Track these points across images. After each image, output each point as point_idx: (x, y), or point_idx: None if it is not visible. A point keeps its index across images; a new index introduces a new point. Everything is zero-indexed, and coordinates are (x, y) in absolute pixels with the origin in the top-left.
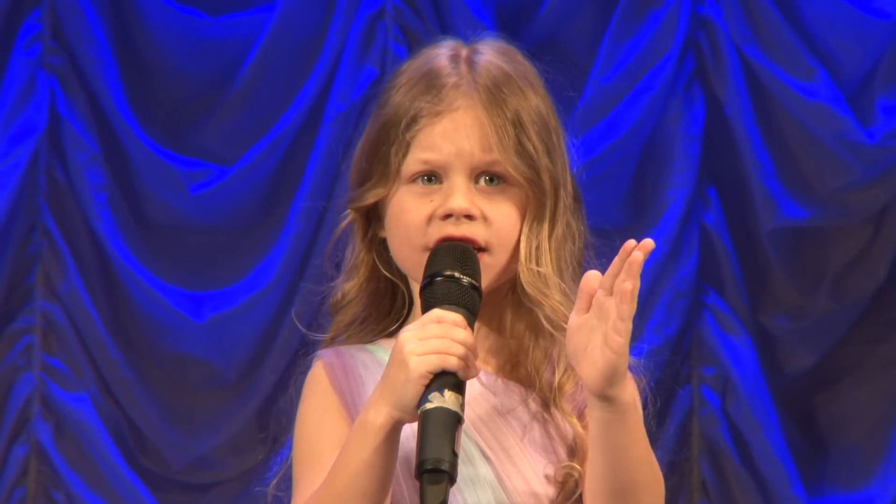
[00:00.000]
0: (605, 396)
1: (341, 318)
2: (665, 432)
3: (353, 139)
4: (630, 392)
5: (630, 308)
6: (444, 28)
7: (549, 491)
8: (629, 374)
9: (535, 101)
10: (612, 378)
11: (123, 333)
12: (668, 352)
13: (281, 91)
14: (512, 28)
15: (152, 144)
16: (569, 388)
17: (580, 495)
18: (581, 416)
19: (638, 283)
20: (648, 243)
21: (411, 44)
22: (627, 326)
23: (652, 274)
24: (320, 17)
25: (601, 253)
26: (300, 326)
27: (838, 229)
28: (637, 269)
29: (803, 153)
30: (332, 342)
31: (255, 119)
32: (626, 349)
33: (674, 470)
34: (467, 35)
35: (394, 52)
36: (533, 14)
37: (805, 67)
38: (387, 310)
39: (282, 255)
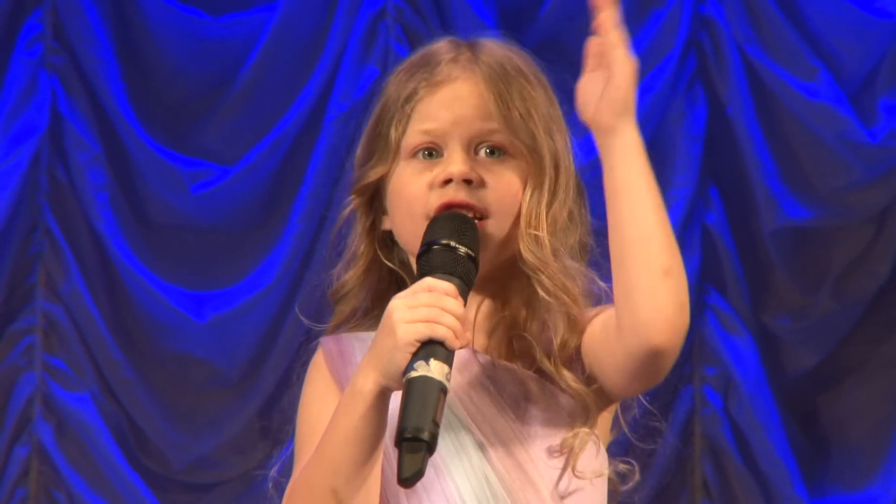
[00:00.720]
0: (612, 128)
1: (342, 309)
2: (667, 432)
3: (355, 139)
4: (635, 133)
5: (619, 34)
6: (446, 27)
7: (546, 472)
8: (634, 122)
9: (537, 89)
10: (620, 108)
11: (125, 333)
12: None
13: (282, 91)
14: (513, 27)
15: (154, 144)
16: (571, 345)
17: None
18: (588, 381)
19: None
20: None
21: (413, 43)
22: (626, 56)
23: None
24: (322, 16)
25: (605, 248)
26: (303, 319)
27: (840, 229)
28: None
29: (805, 153)
30: (336, 332)
31: (257, 119)
32: (632, 79)
33: (676, 470)
34: (469, 35)
35: (395, 51)
36: (534, 13)
37: (807, 67)
38: (388, 300)
39: (283, 254)
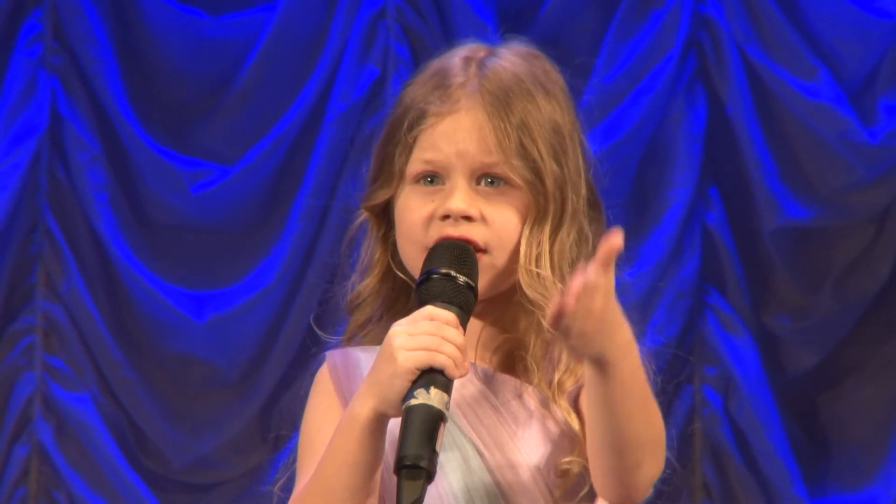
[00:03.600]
0: (588, 355)
1: (357, 318)
2: (667, 432)
3: (355, 139)
4: (617, 348)
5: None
6: (446, 28)
7: (544, 485)
8: (621, 331)
9: (546, 107)
10: (583, 339)
11: (125, 333)
12: (670, 352)
13: (282, 91)
14: (514, 28)
15: (154, 144)
16: (569, 385)
17: (591, 488)
18: (579, 412)
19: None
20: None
21: (413, 43)
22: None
23: (654, 274)
24: (322, 16)
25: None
26: (318, 331)
27: (841, 229)
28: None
29: (805, 153)
30: (350, 342)
31: (257, 119)
32: (592, 309)
33: (676, 470)
34: (469, 35)
35: (395, 51)
36: (535, 14)
37: (807, 67)
38: (401, 310)
39: (283, 255)
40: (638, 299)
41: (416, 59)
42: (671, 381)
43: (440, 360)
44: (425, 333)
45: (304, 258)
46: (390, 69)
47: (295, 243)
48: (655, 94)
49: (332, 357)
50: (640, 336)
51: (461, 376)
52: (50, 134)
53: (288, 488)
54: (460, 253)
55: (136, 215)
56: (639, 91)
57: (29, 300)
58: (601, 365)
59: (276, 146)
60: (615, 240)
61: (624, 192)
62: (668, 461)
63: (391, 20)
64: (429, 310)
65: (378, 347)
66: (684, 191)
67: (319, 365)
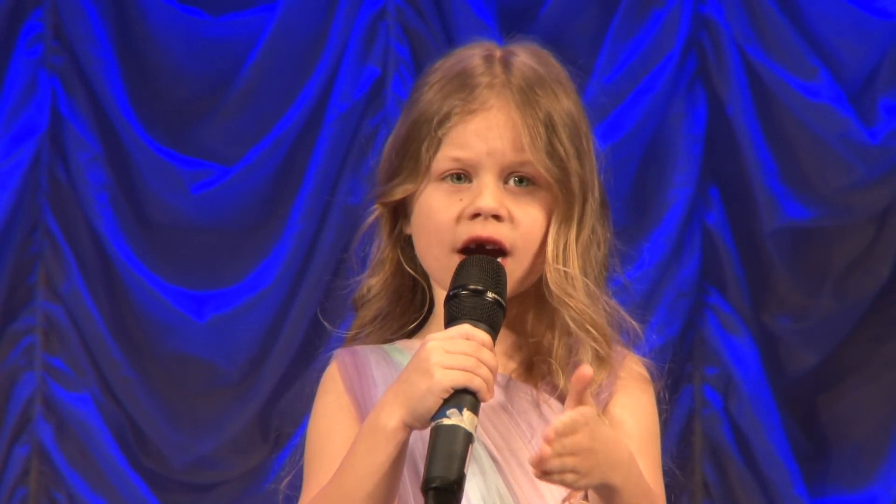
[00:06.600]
0: (592, 488)
1: (365, 314)
2: (667, 433)
3: (355, 139)
4: (617, 472)
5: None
6: (447, 28)
7: (558, 490)
8: (616, 451)
9: (566, 104)
10: (584, 477)
11: (125, 333)
12: (670, 352)
13: (282, 90)
14: (514, 28)
15: (154, 144)
16: (595, 387)
17: None
18: (605, 412)
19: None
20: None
21: (413, 43)
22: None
23: (654, 274)
24: (322, 16)
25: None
26: (326, 324)
27: (841, 229)
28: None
29: (805, 153)
30: (356, 338)
31: (257, 118)
32: (581, 445)
33: (676, 470)
34: (469, 35)
35: (396, 51)
36: (535, 14)
37: (807, 67)
38: (406, 308)
39: (283, 254)
40: (638, 299)
41: (416, 59)
42: (671, 381)
43: (476, 384)
44: (463, 353)
45: (305, 258)
46: (390, 69)
47: (295, 243)
48: (655, 94)
49: (341, 356)
50: (640, 337)
51: (489, 399)
52: (50, 134)
53: (293, 485)
54: (491, 269)
55: (137, 215)
56: (639, 91)
57: (29, 300)
58: (606, 491)
59: (276, 146)
60: (584, 372)
61: (624, 192)
62: (666, 463)
63: (391, 20)
64: (466, 328)
65: (380, 346)
66: (684, 191)
67: (325, 364)
